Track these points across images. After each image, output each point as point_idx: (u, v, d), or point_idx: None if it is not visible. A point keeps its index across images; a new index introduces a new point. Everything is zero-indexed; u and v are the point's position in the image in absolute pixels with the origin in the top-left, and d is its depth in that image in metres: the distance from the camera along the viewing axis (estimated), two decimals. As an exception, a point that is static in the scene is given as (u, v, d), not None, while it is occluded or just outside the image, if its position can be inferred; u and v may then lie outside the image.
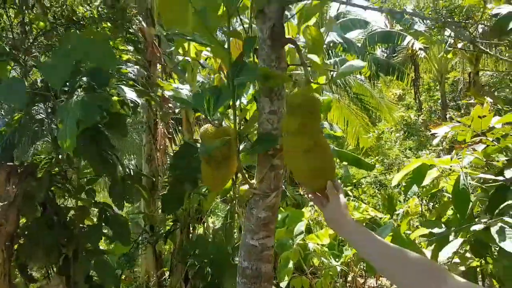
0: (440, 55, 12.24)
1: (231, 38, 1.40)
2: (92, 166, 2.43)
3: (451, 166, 2.60)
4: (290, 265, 3.44)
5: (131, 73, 2.61)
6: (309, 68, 1.36)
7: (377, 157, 11.10)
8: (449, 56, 12.00)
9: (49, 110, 2.31)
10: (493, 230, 2.17)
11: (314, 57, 1.33)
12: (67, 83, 2.11)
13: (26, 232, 2.34)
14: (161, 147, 4.84)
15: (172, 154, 4.69)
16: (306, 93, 1.22)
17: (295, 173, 1.27)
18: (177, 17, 1.30)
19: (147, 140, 4.59)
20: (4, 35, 3.03)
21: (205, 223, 3.94)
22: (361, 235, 1.10)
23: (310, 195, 1.30)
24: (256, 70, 1.20)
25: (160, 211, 4.19)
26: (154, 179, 4.31)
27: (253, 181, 1.47)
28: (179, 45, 3.11)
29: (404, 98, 18.30)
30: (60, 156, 2.47)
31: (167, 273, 4.33)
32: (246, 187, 1.48)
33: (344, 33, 7.76)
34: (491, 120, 2.29)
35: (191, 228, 3.97)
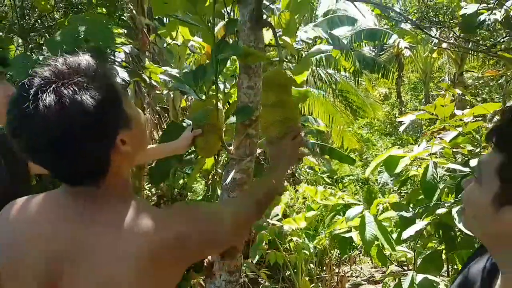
0: (425, 54, 12.46)
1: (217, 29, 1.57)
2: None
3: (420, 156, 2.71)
4: (263, 244, 3.64)
5: (126, 52, 2.76)
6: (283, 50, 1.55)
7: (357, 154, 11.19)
8: (434, 55, 12.29)
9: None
10: (454, 211, 2.26)
11: (287, 38, 1.52)
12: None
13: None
14: (148, 132, 5.00)
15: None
16: (279, 71, 1.42)
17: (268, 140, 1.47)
18: (166, 4, 1.48)
19: (135, 125, 4.74)
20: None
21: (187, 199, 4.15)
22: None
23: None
24: (238, 47, 1.38)
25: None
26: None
27: (231, 147, 1.66)
28: (169, 30, 3.25)
29: (390, 97, 18.59)
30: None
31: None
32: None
33: (331, 29, 7.92)
34: (453, 109, 2.47)
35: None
